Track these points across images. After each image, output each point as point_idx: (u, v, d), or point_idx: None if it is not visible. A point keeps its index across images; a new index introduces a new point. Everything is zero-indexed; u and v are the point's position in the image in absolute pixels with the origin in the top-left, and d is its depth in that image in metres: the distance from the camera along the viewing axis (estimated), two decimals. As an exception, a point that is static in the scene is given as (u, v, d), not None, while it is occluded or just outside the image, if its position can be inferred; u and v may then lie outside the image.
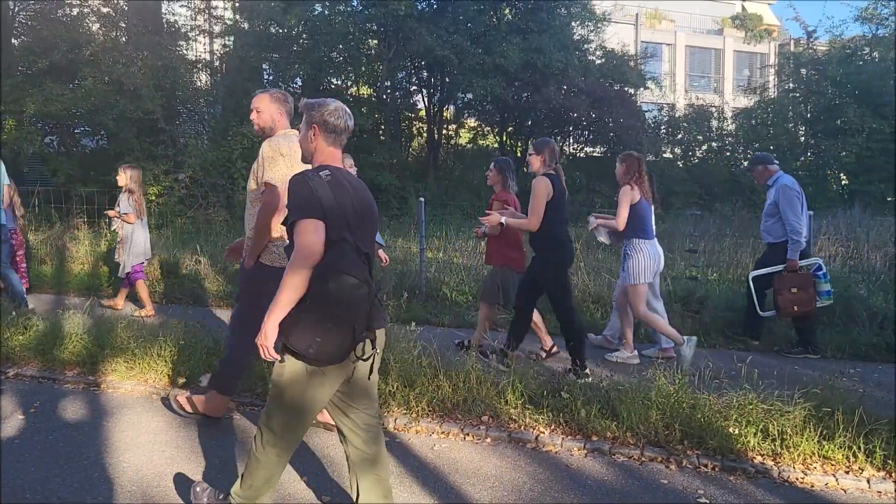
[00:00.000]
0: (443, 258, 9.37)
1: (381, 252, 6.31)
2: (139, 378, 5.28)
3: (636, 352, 6.03)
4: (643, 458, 3.99)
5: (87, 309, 6.52)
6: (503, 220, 5.47)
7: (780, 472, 3.78)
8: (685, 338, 5.71)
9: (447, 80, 19.57)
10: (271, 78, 17.98)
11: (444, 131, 21.63)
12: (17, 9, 15.33)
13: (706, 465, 3.89)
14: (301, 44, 17.68)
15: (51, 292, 8.70)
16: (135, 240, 7.38)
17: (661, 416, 4.17)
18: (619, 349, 6.10)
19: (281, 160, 4.04)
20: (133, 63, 13.42)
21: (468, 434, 4.33)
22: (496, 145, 21.67)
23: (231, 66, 17.35)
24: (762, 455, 3.93)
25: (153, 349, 5.49)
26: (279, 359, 2.72)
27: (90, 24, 14.90)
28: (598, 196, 18.18)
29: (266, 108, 4.27)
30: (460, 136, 22.38)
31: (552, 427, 4.32)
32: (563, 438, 4.20)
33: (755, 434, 4.02)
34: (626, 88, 20.73)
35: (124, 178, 7.32)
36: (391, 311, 5.72)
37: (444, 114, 21.31)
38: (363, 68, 18.61)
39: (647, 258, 5.75)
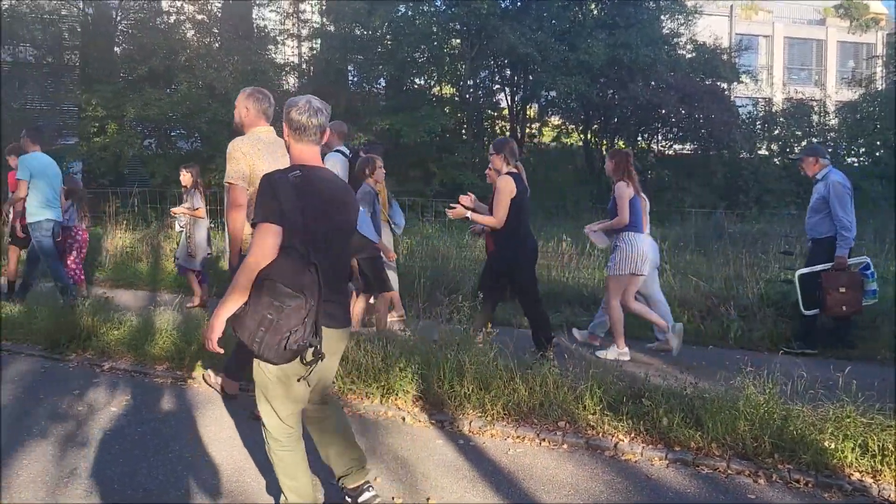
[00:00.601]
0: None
1: (383, 242, 6.20)
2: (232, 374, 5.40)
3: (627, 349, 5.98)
4: (729, 471, 3.78)
5: (176, 306, 6.75)
6: (469, 214, 5.62)
7: (879, 491, 3.51)
8: (671, 324, 5.89)
9: (530, 77, 19.40)
10: (356, 79, 18.29)
11: (527, 130, 21.47)
12: (119, 18, 16.10)
13: (798, 481, 3.64)
14: (385, 45, 17.89)
15: (146, 289, 9.08)
16: (201, 235, 7.75)
17: (750, 427, 3.94)
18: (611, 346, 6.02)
19: (242, 159, 4.09)
20: (224, 68, 13.88)
21: (544, 439, 4.22)
22: (580, 143, 21.33)
23: (318, 69, 17.73)
24: (860, 472, 3.66)
25: (232, 345, 5.61)
26: (221, 351, 2.86)
27: (185, 31, 15.51)
28: (688, 195, 17.61)
29: (239, 105, 4.33)
30: (543, 135, 22.16)
31: (632, 435, 4.15)
32: (643, 447, 4.04)
33: (853, 449, 3.74)
34: (718, 83, 20.01)
35: (189, 177, 7.70)
36: (466, 312, 5.65)
37: (528, 112, 21.14)
38: (446, 68, 18.68)
39: (636, 251, 5.84)
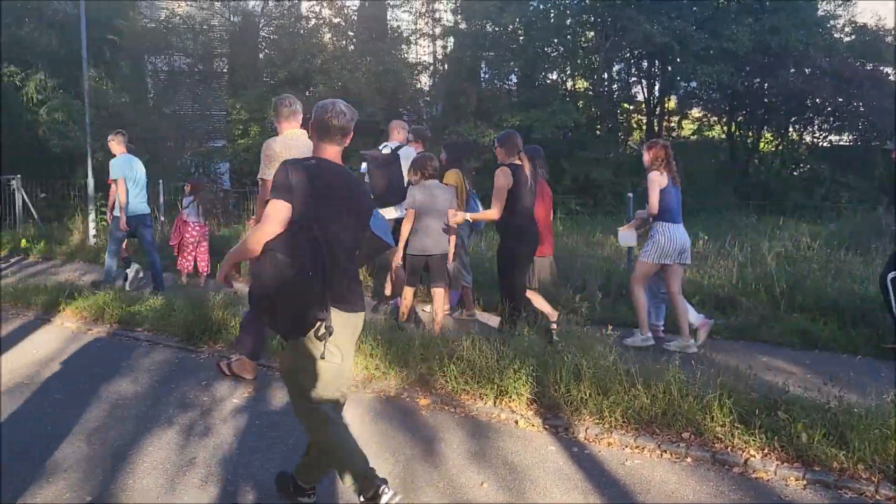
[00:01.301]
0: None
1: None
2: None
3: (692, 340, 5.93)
4: (878, 497, 3.34)
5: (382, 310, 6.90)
6: (468, 216, 6.03)
7: None
8: (703, 318, 6.00)
9: (669, 68, 18.56)
10: (487, 76, 18.23)
11: (666, 123, 20.56)
12: (261, 24, 16.93)
13: (962, 515, 3.17)
14: (517, 40, 17.70)
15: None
16: None
17: (905, 448, 3.47)
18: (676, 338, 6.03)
19: (274, 157, 4.59)
20: (357, 69, 14.23)
21: (665, 451, 3.93)
22: (723, 136, 20.19)
23: (450, 67, 17.84)
24: None
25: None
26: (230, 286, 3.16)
27: (323, 35, 16.05)
28: (845, 189, 16.22)
29: (274, 111, 4.97)
30: (683, 128, 21.14)
31: (765, 451, 3.77)
32: (777, 465, 3.65)
33: None
34: (881, 68, 18.26)
35: None
36: (585, 311, 5.43)
37: (666, 104, 20.25)
38: (579, 61, 18.22)
39: (670, 242, 5.90)
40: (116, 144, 8.16)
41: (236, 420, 4.57)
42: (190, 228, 8.82)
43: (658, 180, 5.96)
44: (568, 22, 17.62)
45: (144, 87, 16.30)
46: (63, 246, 11.78)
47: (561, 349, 4.84)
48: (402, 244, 6.10)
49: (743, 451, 3.79)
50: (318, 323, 2.87)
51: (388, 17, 17.72)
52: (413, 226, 5.96)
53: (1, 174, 13.19)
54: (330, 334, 2.89)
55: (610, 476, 3.68)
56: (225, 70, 17.48)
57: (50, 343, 6.51)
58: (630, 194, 7.82)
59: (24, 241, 12.01)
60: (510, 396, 4.58)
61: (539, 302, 6.11)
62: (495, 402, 4.62)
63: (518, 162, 5.77)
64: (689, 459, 3.84)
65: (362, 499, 2.98)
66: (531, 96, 17.67)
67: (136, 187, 8.14)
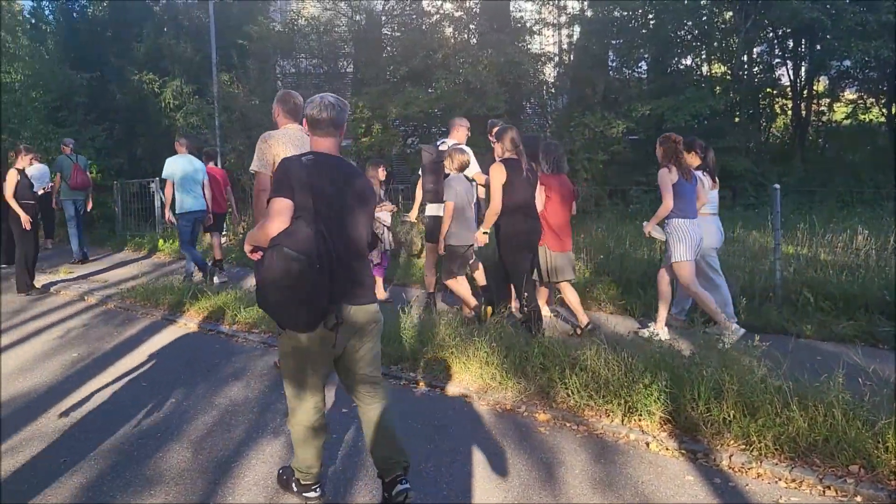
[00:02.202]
0: (805, 254, 7.87)
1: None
2: (458, 378, 5.14)
3: (736, 325, 5.89)
4: None
5: (414, 304, 6.64)
6: (481, 231, 6.22)
7: None
8: (734, 326, 5.80)
9: (818, 47, 16.93)
10: (615, 64, 17.40)
11: (814, 107, 18.82)
12: (384, 22, 16.97)
13: None
14: (647, 25, 16.75)
15: (398, 284, 9.26)
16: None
17: None
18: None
19: (268, 150, 4.76)
20: (479, 62, 13.90)
21: (829, 487, 3.33)
22: (882, 119, 18.28)
23: (575, 57, 17.17)
24: None
25: (469, 349, 5.32)
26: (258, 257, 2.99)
27: (444, 29, 15.85)
28: None
29: (274, 107, 5.11)
30: (835, 112, 19.31)
31: (959, 495, 3.09)
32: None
33: None
34: None
35: (384, 173, 8.05)
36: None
37: (815, 87, 18.56)
38: (716, 44, 17.01)
39: (686, 236, 5.95)
40: (179, 146, 9.05)
41: (343, 432, 4.34)
42: None
43: (667, 178, 5.99)
44: (703, 2, 16.45)
45: (272, 88, 16.73)
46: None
47: (699, 361, 4.28)
48: (443, 236, 6.47)
49: (930, 494, 3.13)
50: (330, 315, 2.94)
51: (511, 9, 17.28)
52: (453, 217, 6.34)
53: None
54: (340, 325, 2.98)
55: (761, 515, 3.14)
56: (349, 69, 17.67)
57: (171, 343, 6.61)
58: (777, 186, 6.99)
59: (161, 241, 12.56)
60: (640, 414, 4.09)
61: (570, 298, 6.45)
62: (623, 420, 4.15)
63: (514, 156, 5.91)
64: (858, 498, 3.24)
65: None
66: (663, 83, 16.66)
67: (195, 186, 8.90)
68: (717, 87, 16.69)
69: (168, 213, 9.30)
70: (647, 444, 3.91)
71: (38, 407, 4.94)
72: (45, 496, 3.53)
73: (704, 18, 16.69)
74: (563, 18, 17.48)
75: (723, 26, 17.19)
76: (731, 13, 17.04)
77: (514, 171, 5.83)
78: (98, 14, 17.79)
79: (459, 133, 7.32)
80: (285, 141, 4.82)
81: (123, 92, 16.02)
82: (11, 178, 9.08)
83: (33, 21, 18.66)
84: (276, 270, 2.80)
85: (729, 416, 3.80)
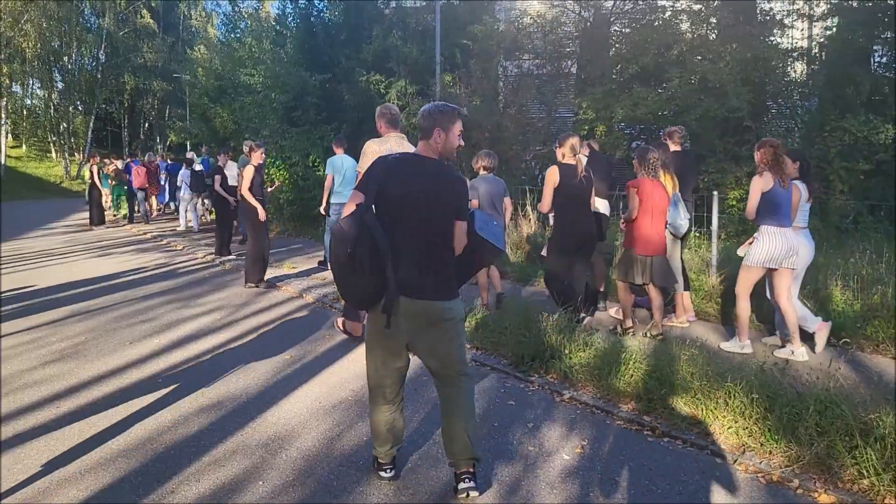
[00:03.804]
0: None
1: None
2: (704, 428, 4.24)
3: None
4: None
5: (648, 330, 5.78)
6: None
7: None
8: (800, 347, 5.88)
9: None
10: (883, 60, 14.96)
11: None
12: (613, 19, 15.96)
13: None
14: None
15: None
16: None
17: None
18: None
19: (371, 155, 5.40)
20: (721, 58, 12.49)
21: None
22: None
23: (832, 52, 15.00)
24: None
25: (719, 393, 4.38)
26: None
27: (680, 24, 14.54)
28: None
29: (376, 120, 5.93)
30: None
31: None
32: None
33: None
34: None
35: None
36: None
37: None
38: None
39: (772, 245, 5.84)
40: (336, 147, 10.24)
41: (562, 486, 3.64)
42: None
43: (759, 183, 5.93)
44: None
45: (495, 89, 16.41)
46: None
47: None
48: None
49: None
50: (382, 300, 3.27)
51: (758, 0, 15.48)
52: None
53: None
54: (391, 309, 3.27)
55: None
56: (572, 69, 16.86)
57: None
58: None
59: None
60: None
61: (654, 298, 6.55)
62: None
63: (572, 162, 6.54)
64: None
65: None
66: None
67: (343, 182, 9.77)
68: None
69: (325, 205, 10.14)
70: None
71: (247, 413, 4.77)
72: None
73: None
74: (822, 8, 15.35)
75: None
76: None
77: (567, 176, 6.46)
78: (333, 18, 18.56)
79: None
80: (387, 148, 5.59)
81: (352, 92, 16.49)
82: (248, 173, 9.42)
83: (277, 28, 19.95)
84: (332, 247, 3.23)
85: None
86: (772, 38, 14.20)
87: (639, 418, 4.49)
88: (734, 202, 12.34)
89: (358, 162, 5.96)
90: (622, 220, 6.79)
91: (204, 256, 12.91)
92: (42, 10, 38.24)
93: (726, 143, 13.00)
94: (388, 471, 3.67)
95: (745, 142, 13.02)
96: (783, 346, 6.11)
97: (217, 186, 12.25)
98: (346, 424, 4.53)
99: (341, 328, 6.71)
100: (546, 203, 6.45)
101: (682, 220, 6.98)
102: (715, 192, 8.69)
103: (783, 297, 5.94)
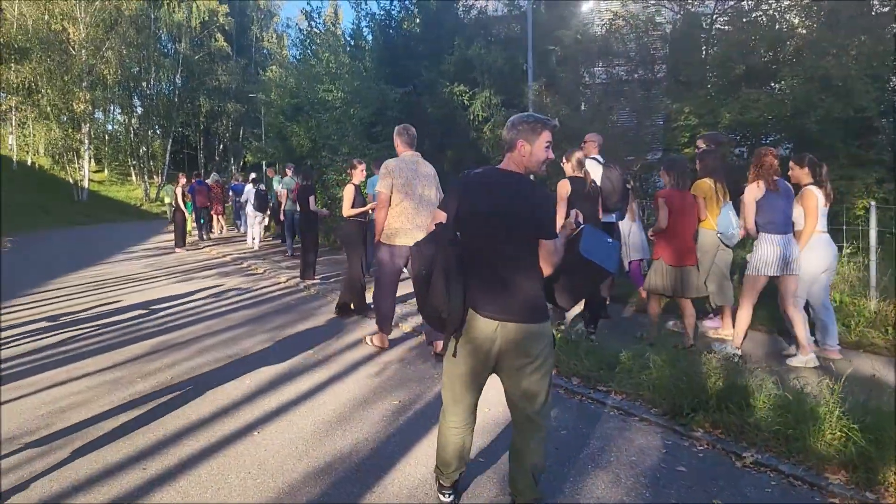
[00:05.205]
0: None
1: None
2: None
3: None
4: None
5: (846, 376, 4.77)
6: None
7: None
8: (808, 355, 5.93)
9: None
10: None
11: None
12: (714, 17, 14.82)
13: None
14: None
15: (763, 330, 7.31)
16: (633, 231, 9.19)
17: None
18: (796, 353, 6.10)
19: (388, 175, 6.44)
20: (845, 52, 11.25)
21: None
22: None
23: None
24: None
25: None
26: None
27: (791, 19, 13.32)
28: None
29: (394, 139, 6.75)
30: None
31: None
32: None
33: None
34: None
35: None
36: None
37: None
38: None
39: (766, 252, 5.95)
40: (374, 168, 10.36)
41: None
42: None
43: (750, 194, 6.03)
44: None
45: (582, 96, 15.48)
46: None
47: None
48: None
49: None
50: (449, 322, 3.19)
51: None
52: None
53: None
54: (458, 331, 3.22)
55: None
56: (662, 74, 15.74)
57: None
58: None
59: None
60: None
61: (687, 314, 6.56)
62: None
63: (580, 174, 6.90)
64: None
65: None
66: None
67: None
68: None
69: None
70: None
71: (365, 480, 4.01)
72: None
73: None
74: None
75: None
76: None
77: (577, 189, 6.77)
78: (411, 29, 17.97)
79: (590, 148, 8.06)
80: (403, 167, 6.27)
81: (434, 105, 15.82)
82: (349, 193, 8.81)
83: (352, 43, 19.51)
84: (416, 263, 3.20)
85: None
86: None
87: (860, 495, 3.53)
88: (861, 211, 11.07)
89: (379, 183, 6.52)
90: (650, 232, 6.90)
91: (287, 280, 12.38)
92: (122, 38, 39.29)
93: (849, 146, 11.72)
94: (448, 495, 3.63)
95: (873, 144, 11.74)
96: (794, 355, 6.12)
97: (312, 205, 11.62)
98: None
99: (368, 342, 7.18)
100: (560, 216, 6.34)
101: (735, 228, 6.90)
102: (873, 202, 7.62)
103: (788, 303, 5.96)
